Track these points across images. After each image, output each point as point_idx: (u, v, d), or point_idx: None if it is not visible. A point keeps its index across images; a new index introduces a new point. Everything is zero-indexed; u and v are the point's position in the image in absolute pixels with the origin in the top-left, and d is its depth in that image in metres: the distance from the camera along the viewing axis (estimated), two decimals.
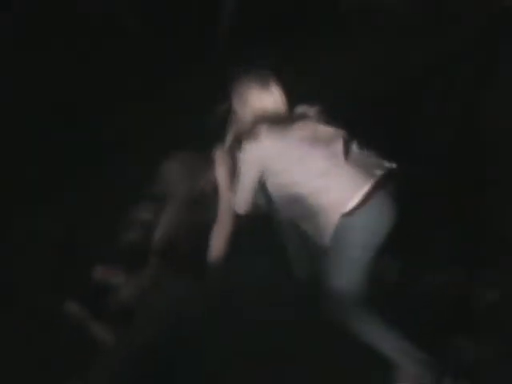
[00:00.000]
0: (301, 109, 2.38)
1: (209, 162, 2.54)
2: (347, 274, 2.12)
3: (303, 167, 2.15)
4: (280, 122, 2.26)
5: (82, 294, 2.42)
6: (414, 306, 2.36)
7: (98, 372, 2.16)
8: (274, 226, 2.48)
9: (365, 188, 2.07)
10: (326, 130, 2.24)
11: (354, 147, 2.21)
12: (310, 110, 2.36)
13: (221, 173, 2.50)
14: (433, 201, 2.78)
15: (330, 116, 2.33)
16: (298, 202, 2.16)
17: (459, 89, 3.51)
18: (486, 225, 2.75)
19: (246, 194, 2.34)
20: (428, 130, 3.32)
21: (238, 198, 2.37)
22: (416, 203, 2.49)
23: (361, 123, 2.29)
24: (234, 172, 2.47)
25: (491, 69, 3.58)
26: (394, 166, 2.18)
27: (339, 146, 2.18)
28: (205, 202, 2.59)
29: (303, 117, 2.32)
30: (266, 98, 2.31)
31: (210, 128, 2.56)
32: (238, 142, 2.36)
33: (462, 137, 3.26)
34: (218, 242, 2.43)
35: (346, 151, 2.17)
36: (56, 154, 3.59)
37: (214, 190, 2.53)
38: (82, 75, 4.52)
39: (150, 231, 2.66)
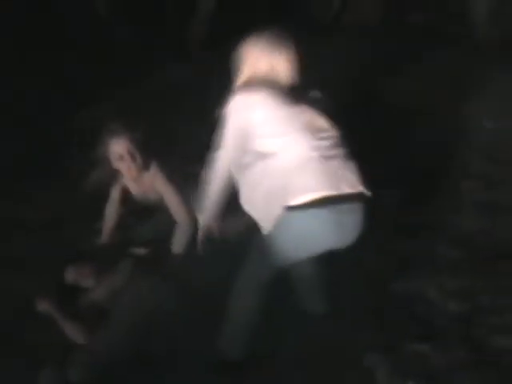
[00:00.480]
0: (313, 93, 2.12)
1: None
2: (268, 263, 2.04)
3: (280, 145, 1.96)
4: (281, 90, 2.01)
5: (56, 294, 2.44)
6: (385, 312, 2.41)
7: (73, 368, 2.19)
8: None
9: (321, 193, 1.89)
10: (322, 123, 2.02)
11: (341, 154, 2.00)
12: (321, 98, 2.12)
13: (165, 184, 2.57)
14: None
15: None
16: (256, 177, 2.00)
17: None
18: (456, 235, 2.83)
19: (229, 152, 2.06)
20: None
21: (219, 157, 2.09)
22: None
23: None
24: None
25: None
26: (367, 193, 1.99)
27: (326, 143, 1.97)
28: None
29: (309, 100, 2.06)
30: (272, 61, 2.05)
31: None
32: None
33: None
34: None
35: (330, 153, 1.96)
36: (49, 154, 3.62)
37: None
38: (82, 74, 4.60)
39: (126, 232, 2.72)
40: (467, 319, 2.35)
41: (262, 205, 2.01)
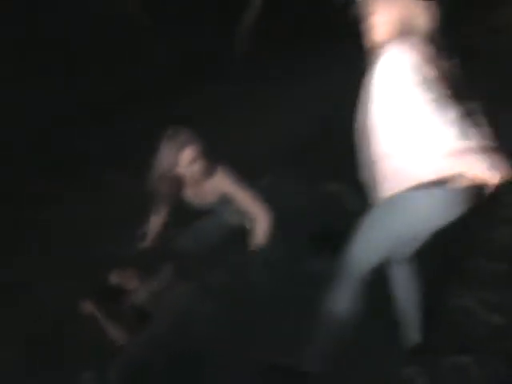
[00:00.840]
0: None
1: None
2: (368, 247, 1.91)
3: (415, 118, 1.70)
4: (428, 41, 1.76)
5: (99, 296, 2.47)
6: (425, 324, 2.42)
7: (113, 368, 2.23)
8: None
9: (439, 174, 1.72)
10: (464, 89, 1.78)
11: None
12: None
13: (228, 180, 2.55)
14: None
15: None
16: (387, 146, 1.77)
17: None
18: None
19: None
20: None
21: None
22: None
23: None
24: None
25: None
26: None
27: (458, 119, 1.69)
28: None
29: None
30: (416, 8, 1.80)
31: None
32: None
33: None
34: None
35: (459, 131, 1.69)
36: (64, 157, 3.64)
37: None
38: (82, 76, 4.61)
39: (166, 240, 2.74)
40: (508, 332, 2.37)
41: (384, 177, 1.83)
